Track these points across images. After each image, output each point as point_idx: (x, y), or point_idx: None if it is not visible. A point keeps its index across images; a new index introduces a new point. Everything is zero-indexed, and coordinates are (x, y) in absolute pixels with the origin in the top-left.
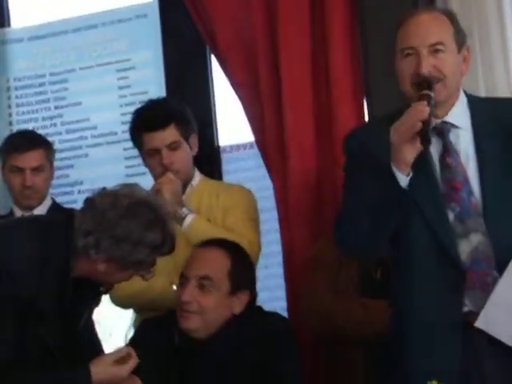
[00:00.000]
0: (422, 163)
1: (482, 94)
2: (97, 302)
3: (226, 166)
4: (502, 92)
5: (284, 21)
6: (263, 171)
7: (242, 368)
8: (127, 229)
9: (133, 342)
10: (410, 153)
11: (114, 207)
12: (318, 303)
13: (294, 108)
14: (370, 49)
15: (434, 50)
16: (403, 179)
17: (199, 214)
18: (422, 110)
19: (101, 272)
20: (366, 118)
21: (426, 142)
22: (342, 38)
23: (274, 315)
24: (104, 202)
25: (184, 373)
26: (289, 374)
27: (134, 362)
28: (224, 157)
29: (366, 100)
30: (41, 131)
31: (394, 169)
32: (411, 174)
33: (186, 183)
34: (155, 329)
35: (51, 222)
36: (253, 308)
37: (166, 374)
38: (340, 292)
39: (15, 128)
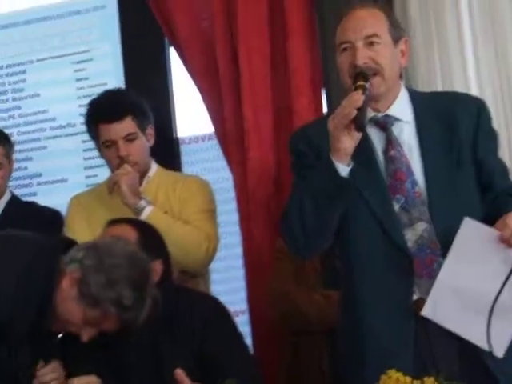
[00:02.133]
0: (365, 157)
1: (440, 88)
2: None
3: (185, 158)
4: (459, 85)
5: (243, 11)
6: (223, 162)
7: (174, 336)
8: (116, 265)
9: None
10: (349, 142)
11: (121, 247)
12: (283, 293)
13: (253, 99)
14: (328, 40)
15: (369, 42)
16: (343, 169)
17: (156, 205)
18: (356, 98)
19: (61, 295)
20: (325, 109)
21: (360, 128)
22: (300, 29)
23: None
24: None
25: (119, 350)
26: (227, 332)
27: None
28: (183, 148)
29: (325, 91)
30: None
31: (333, 159)
32: (352, 165)
33: (142, 175)
34: None
35: (43, 246)
36: (170, 279)
37: (102, 355)
38: (304, 282)
39: None
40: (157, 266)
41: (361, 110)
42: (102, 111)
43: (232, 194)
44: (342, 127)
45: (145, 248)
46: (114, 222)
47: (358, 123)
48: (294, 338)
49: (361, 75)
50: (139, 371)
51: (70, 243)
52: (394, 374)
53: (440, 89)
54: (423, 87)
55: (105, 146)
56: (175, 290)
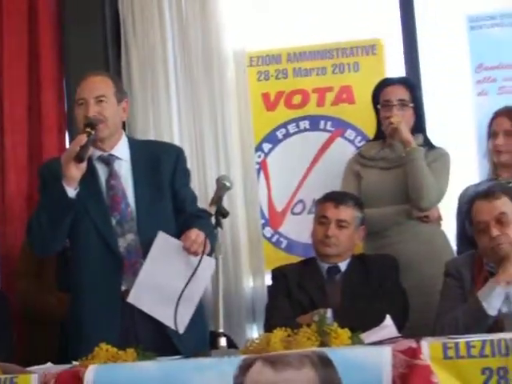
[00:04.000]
0: (93, 185)
1: (153, 137)
2: None
3: None
4: (166, 137)
5: (7, 67)
6: None
7: None
8: None
9: None
10: (75, 171)
11: None
12: (26, 292)
13: (12, 136)
14: (72, 96)
15: (98, 100)
16: (70, 191)
17: None
18: (81, 138)
19: None
20: (67, 147)
21: (79, 160)
22: (52, 86)
23: None
24: None
25: None
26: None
27: None
28: None
29: (68, 133)
30: None
31: (64, 183)
32: (78, 189)
33: None
34: None
35: None
36: None
37: None
38: (44, 283)
39: None
40: None
41: (83, 147)
42: None
43: None
44: (69, 159)
45: None
46: None
47: (79, 156)
48: (33, 326)
49: (90, 123)
50: None
51: None
52: (104, 347)
53: (152, 138)
54: (141, 136)
55: None
56: None
